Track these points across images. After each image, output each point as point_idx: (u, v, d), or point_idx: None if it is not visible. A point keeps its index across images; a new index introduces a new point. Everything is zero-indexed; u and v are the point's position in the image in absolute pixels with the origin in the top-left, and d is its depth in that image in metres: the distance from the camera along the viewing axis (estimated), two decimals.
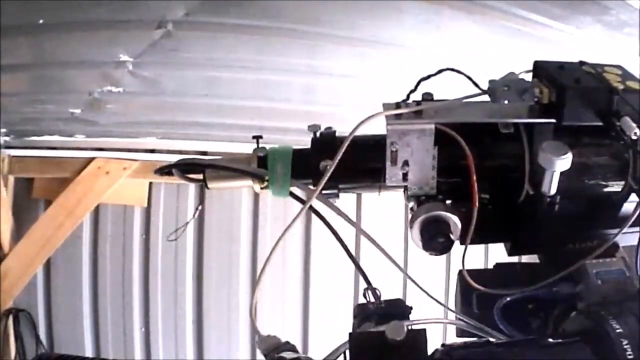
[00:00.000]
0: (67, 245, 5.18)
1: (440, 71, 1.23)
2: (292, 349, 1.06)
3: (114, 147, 4.95)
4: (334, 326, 5.23)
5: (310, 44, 2.93)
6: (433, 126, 1.11)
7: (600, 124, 1.10)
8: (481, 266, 1.32)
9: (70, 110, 3.88)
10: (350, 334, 0.96)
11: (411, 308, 1.26)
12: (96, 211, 5.34)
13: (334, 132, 1.23)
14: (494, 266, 1.31)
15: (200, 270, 5.48)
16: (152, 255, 5.42)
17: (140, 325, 5.51)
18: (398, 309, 1.23)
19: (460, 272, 1.29)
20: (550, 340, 0.98)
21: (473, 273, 1.24)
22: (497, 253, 1.31)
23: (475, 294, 1.23)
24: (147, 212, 5.39)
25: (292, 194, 1.23)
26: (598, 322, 0.90)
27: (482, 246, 1.22)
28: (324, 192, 1.18)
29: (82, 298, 5.44)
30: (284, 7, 2.58)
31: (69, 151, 4.99)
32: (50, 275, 5.43)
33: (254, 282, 5.46)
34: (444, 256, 1.14)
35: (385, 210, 4.74)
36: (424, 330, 0.96)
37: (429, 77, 1.22)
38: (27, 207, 5.32)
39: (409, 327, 0.90)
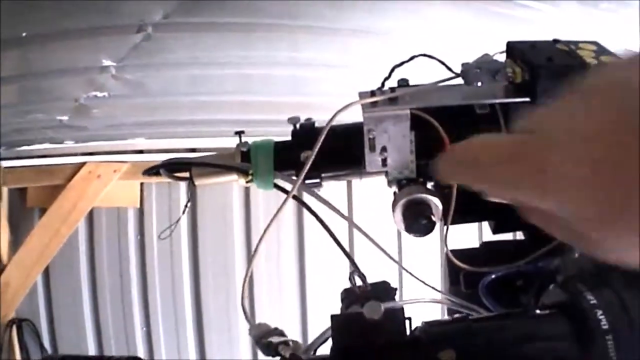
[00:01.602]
0: (64, 252, 5.20)
1: (412, 57, 1.25)
2: (281, 334, 1.08)
3: (104, 151, 4.97)
4: (331, 307, 5.26)
5: (292, 37, 2.95)
6: (408, 111, 1.13)
7: None
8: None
9: (58, 117, 3.90)
10: (331, 316, 0.98)
11: (396, 289, 1.28)
12: (90, 215, 5.36)
13: (313, 122, 1.25)
14: (481, 245, 1.32)
15: (197, 265, 5.50)
16: (148, 255, 5.44)
17: (141, 325, 5.53)
18: (383, 291, 1.25)
19: (448, 252, 1.31)
20: (528, 313, 1.00)
21: (460, 252, 1.26)
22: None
23: (462, 273, 1.25)
24: (141, 213, 5.41)
25: (276, 186, 1.24)
26: (573, 294, 0.91)
27: (476, 228, 1.24)
28: (306, 181, 1.20)
29: (83, 302, 5.46)
30: (264, 3, 2.60)
31: (60, 158, 5.00)
32: (50, 282, 5.45)
33: (251, 273, 5.47)
34: (438, 241, 1.16)
35: (377, 198, 4.77)
36: (402, 308, 0.98)
37: (401, 64, 1.24)
38: (22, 216, 5.35)
39: (387, 307, 0.92)
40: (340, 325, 0.96)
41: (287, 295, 5.58)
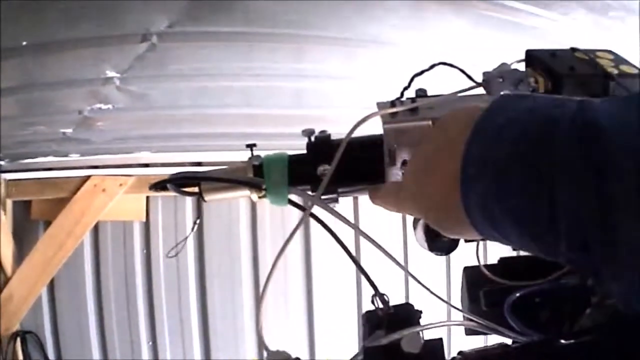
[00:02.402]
0: (69, 265, 5.20)
1: (433, 66, 1.21)
2: None
3: (109, 164, 4.95)
4: (340, 331, 5.25)
5: (297, 47, 2.92)
6: (430, 122, 1.09)
7: None
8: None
9: (62, 130, 3.87)
10: (364, 348, 0.93)
11: (421, 312, 1.24)
12: (96, 229, 5.35)
13: (329, 135, 1.20)
14: (499, 261, 1.29)
15: (203, 280, 5.49)
16: (154, 268, 5.43)
17: (147, 339, 5.50)
18: (408, 315, 1.21)
19: (465, 269, 1.27)
20: (568, 341, 0.96)
21: (478, 269, 1.22)
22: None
23: (482, 290, 1.21)
24: (147, 226, 5.40)
25: (290, 202, 1.20)
26: (612, 316, 0.88)
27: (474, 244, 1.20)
28: (323, 197, 1.16)
29: (88, 316, 5.46)
30: (269, 13, 2.56)
31: (64, 171, 4.99)
32: (55, 295, 5.46)
33: (258, 290, 5.47)
34: (443, 260, 1.13)
35: (382, 213, 4.75)
36: (441, 340, 0.94)
37: (422, 72, 1.20)
38: (27, 229, 5.35)
39: (425, 338, 0.88)
40: (373, 355, 0.92)
41: (293, 311, 5.56)
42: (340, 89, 3.42)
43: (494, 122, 0.77)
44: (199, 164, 4.82)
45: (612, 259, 0.62)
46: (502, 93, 0.88)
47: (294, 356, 1.05)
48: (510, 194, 0.71)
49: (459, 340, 1.23)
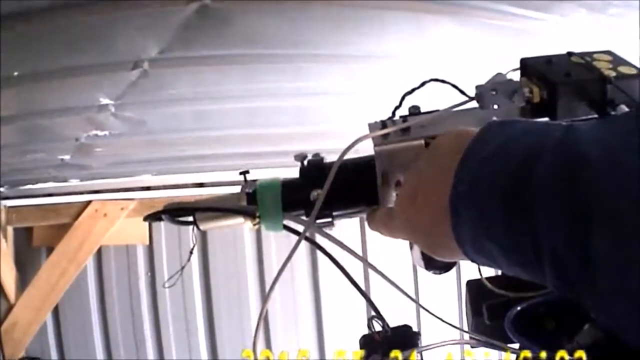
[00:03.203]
0: (73, 290, 5.20)
1: (423, 83, 1.19)
2: None
3: (110, 188, 4.93)
4: (349, 340, 5.22)
5: (295, 66, 2.90)
6: (422, 142, 1.07)
7: (596, 116, 1.06)
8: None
9: (60, 157, 3.87)
10: None
11: (419, 334, 1.23)
12: (99, 253, 5.35)
13: (322, 158, 1.19)
14: (502, 273, 1.27)
15: (210, 302, 5.48)
16: (159, 292, 5.42)
17: None
18: (405, 337, 1.19)
19: (468, 282, 1.26)
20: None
21: (480, 283, 1.21)
22: None
23: (485, 304, 1.20)
24: (150, 250, 5.39)
25: (286, 227, 1.19)
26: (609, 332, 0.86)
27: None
28: (318, 221, 1.14)
29: (94, 341, 5.47)
30: (263, 34, 2.55)
31: (65, 197, 4.99)
32: (60, 321, 5.46)
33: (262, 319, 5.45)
34: (453, 272, 1.11)
35: None
36: None
37: (412, 90, 1.18)
38: (29, 256, 5.35)
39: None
40: None
41: (303, 336, 5.54)
42: (341, 105, 3.41)
43: (479, 153, 0.77)
44: (201, 184, 4.82)
45: (593, 295, 0.62)
46: (490, 121, 0.86)
47: None
48: (496, 226, 0.71)
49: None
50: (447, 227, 0.80)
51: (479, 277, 1.22)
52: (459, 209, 0.78)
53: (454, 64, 2.74)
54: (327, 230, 1.17)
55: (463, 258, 0.83)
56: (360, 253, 1.22)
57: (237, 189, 1.22)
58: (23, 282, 5.14)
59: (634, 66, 1.09)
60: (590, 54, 1.13)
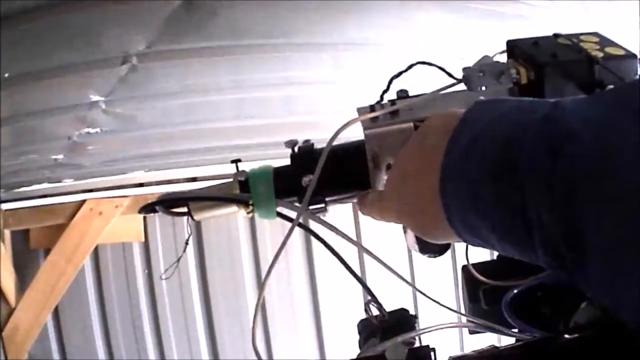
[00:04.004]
0: (72, 291, 5.19)
1: (410, 66, 1.19)
2: None
3: (104, 187, 4.93)
4: (349, 338, 5.23)
5: (283, 56, 2.89)
6: (411, 124, 1.07)
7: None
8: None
9: (53, 157, 3.86)
10: None
11: (416, 317, 1.23)
12: (96, 253, 5.34)
13: (312, 144, 1.19)
14: (497, 257, 1.27)
15: (207, 295, 5.48)
16: (157, 288, 5.42)
17: (156, 359, 5.49)
18: (402, 321, 1.19)
19: (464, 267, 1.26)
20: (562, 336, 0.95)
21: (477, 267, 1.21)
22: None
23: (481, 289, 1.20)
24: (146, 247, 5.39)
25: (280, 214, 1.19)
26: (606, 311, 0.86)
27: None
28: (311, 207, 1.15)
29: (95, 340, 5.46)
30: (250, 24, 2.54)
31: (60, 197, 4.98)
32: (60, 322, 5.44)
33: (263, 299, 5.45)
34: (448, 255, 1.11)
35: None
36: (427, 346, 0.92)
37: (399, 74, 1.18)
38: (27, 258, 5.34)
39: (411, 345, 0.86)
40: None
41: (301, 324, 5.55)
42: (330, 95, 3.40)
43: (467, 133, 0.77)
44: (194, 179, 4.81)
45: (582, 269, 0.62)
46: (477, 100, 0.86)
47: None
48: (486, 205, 0.71)
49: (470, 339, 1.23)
50: (438, 207, 0.80)
51: (474, 262, 1.22)
52: (448, 189, 0.78)
53: (441, 50, 2.74)
54: (321, 216, 1.17)
55: (456, 240, 0.83)
56: (354, 239, 1.22)
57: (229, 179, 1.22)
58: (22, 285, 5.13)
59: (622, 47, 1.10)
60: (577, 35, 1.13)
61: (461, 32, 2.75)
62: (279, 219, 1.20)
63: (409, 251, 5.13)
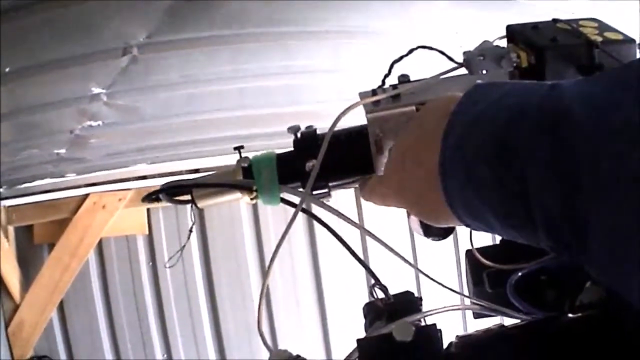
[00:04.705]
0: (77, 285, 5.21)
1: (411, 50, 1.20)
2: None
3: (107, 180, 4.93)
4: (354, 323, 5.23)
5: (283, 45, 2.90)
6: (414, 108, 1.07)
7: None
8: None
9: (55, 151, 3.87)
10: (357, 340, 0.93)
11: (421, 299, 1.23)
12: (100, 246, 5.35)
13: (315, 130, 1.20)
14: (501, 241, 1.27)
15: (211, 285, 5.50)
16: (161, 280, 5.43)
17: (161, 352, 5.51)
18: (408, 303, 1.20)
19: (467, 251, 1.26)
20: (567, 315, 0.95)
21: (480, 251, 1.21)
22: None
23: (485, 272, 1.20)
24: (150, 239, 5.39)
25: (283, 200, 1.19)
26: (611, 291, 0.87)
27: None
28: (314, 192, 1.15)
29: (100, 334, 5.47)
30: (250, 13, 2.55)
31: (63, 192, 4.97)
32: (65, 317, 5.45)
33: (267, 289, 5.46)
34: (450, 239, 1.11)
35: None
36: (434, 325, 0.93)
37: (400, 58, 1.18)
38: (31, 254, 5.34)
39: (418, 325, 0.87)
40: (368, 350, 0.90)
41: (305, 310, 5.55)
42: (331, 83, 3.40)
43: (466, 115, 0.76)
44: (196, 170, 4.81)
45: (585, 252, 0.61)
46: (476, 82, 0.86)
47: (295, 354, 1.04)
48: (486, 188, 0.71)
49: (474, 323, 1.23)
50: (439, 191, 0.79)
51: (478, 246, 1.23)
52: (448, 171, 0.77)
53: (441, 38, 2.74)
54: (324, 201, 1.18)
55: (458, 223, 0.83)
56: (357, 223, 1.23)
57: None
58: (27, 280, 5.15)
59: (620, 32, 1.10)
60: (575, 20, 1.13)
61: (460, 20, 2.75)
62: (281, 206, 1.21)
63: (412, 235, 5.13)
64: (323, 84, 3.44)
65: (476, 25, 2.69)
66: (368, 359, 0.89)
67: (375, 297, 1.19)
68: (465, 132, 0.75)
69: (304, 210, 1.16)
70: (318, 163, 1.09)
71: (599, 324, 0.88)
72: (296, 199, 1.15)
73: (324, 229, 1.22)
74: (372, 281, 1.20)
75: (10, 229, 5.20)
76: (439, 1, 2.62)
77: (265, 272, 5.30)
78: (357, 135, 1.14)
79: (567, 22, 1.13)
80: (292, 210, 1.14)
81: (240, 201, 1.22)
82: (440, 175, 0.78)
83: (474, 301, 1.18)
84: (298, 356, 1.03)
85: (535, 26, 1.13)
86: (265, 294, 5.37)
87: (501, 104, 0.71)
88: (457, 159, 0.75)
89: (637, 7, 2.30)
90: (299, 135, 1.20)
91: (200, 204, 1.23)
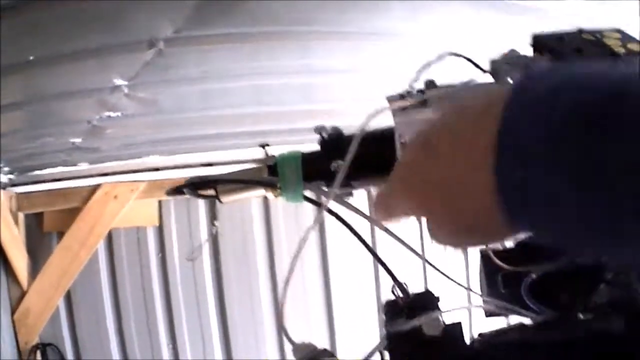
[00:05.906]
0: (85, 274, 5.21)
1: (440, 57, 1.21)
2: (330, 355, 1.04)
3: (119, 171, 4.94)
4: (360, 323, 5.25)
5: (303, 44, 2.91)
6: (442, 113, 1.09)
7: None
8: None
9: (71, 140, 3.88)
10: (387, 333, 0.94)
11: (439, 298, 1.25)
12: (109, 236, 5.35)
13: (341, 131, 1.22)
14: (516, 243, 1.29)
15: (220, 280, 5.50)
16: (170, 272, 5.44)
17: (167, 343, 5.51)
18: (427, 301, 1.22)
19: (482, 253, 1.27)
20: (582, 315, 0.97)
21: (495, 253, 1.23)
22: None
23: (500, 274, 1.22)
24: (160, 231, 5.41)
25: (306, 198, 1.21)
26: (626, 290, 0.88)
27: None
28: (337, 192, 1.17)
29: (107, 324, 5.47)
30: (273, 12, 2.56)
31: (74, 181, 4.98)
32: (72, 305, 5.46)
33: (275, 287, 5.47)
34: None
35: None
36: (460, 323, 0.95)
37: (429, 64, 1.20)
38: (40, 241, 5.35)
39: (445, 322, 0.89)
40: (398, 342, 0.93)
41: (312, 306, 5.56)
42: (347, 83, 3.42)
43: (536, 92, 0.62)
44: (209, 164, 4.81)
45: None
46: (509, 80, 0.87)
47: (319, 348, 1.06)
48: (565, 163, 0.56)
49: (479, 324, 1.24)
50: (486, 174, 0.62)
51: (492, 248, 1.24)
52: (508, 158, 0.61)
53: (458, 41, 2.75)
54: (346, 200, 1.20)
55: (498, 232, 0.69)
56: (369, 227, 1.25)
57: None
58: (35, 268, 5.17)
59: None
60: (600, 31, 1.14)
61: (480, 25, 2.76)
62: (292, 205, 1.23)
63: (422, 239, 5.14)
64: (339, 84, 3.45)
65: (495, 29, 2.71)
66: (398, 351, 0.91)
67: (396, 295, 1.21)
68: (533, 114, 0.60)
69: (328, 210, 1.18)
70: (346, 164, 1.11)
71: (612, 324, 0.90)
72: (318, 198, 1.17)
73: (335, 230, 1.24)
74: (380, 282, 1.22)
75: (21, 215, 5.22)
76: (462, 7, 2.63)
77: (273, 261, 5.33)
78: (382, 137, 1.16)
79: (592, 32, 1.14)
80: (303, 209, 1.16)
81: (251, 199, 1.24)
82: (494, 169, 0.62)
83: (491, 301, 1.20)
84: (325, 350, 1.04)
85: (560, 36, 1.14)
86: (273, 290, 5.40)
87: (587, 82, 0.59)
88: (522, 146, 0.60)
89: (637, 7, 2.31)
90: (325, 135, 1.22)
91: (223, 199, 1.25)
